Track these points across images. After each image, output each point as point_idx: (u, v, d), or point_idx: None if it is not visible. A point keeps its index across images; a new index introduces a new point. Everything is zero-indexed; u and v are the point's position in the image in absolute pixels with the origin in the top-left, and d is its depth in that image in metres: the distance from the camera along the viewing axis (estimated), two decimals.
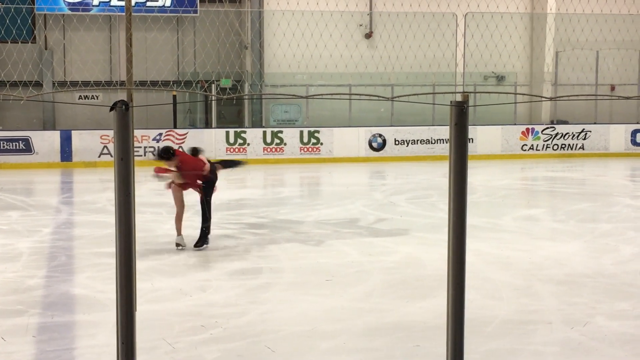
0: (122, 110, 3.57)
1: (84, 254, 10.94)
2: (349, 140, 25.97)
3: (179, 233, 11.28)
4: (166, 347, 6.77)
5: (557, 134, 27.25)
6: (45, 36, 27.89)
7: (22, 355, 6.61)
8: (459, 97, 3.88)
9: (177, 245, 11.19)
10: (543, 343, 6.90)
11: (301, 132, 25.72)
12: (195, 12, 27.78)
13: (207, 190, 11.29)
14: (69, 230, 13.07)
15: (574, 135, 27.33)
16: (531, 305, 8.16)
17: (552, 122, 28.84)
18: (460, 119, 3.85)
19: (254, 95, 28.31)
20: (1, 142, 23.92)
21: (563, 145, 27.26)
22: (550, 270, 9.81)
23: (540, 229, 13.07)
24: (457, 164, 3.91)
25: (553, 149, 27.17)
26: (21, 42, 24.27)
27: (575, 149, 27.28)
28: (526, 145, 27.05)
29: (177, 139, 24.56)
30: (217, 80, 27.42)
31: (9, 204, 16.09)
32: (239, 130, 25.66)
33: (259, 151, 25.18)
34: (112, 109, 3.58)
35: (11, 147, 23.92)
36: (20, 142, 24.03)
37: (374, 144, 26.11)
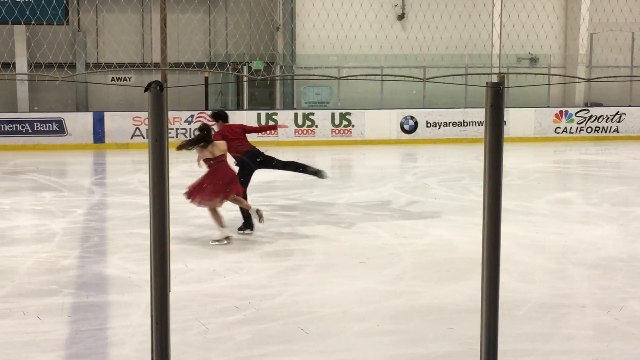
0: (157, 91, 3.57)
1: (116, 235, 11.02)
2: (380, 122, 25.90)
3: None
4: (199, 328, 6.80)
5: (591, 117, 27.00)
6: (79, 18, 28.01)
7: (56, 335, 6.67)
8: (494, 79, 3.84)
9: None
10: (576, 327, 6.85)
11: (332, 114, 25.68)
12: None
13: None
14: (101, 211, 13.16)
15: (608, 117, 27.07)
16: (564, 288, 8.10)
17: (586, 105, 28.55)
18: (496, 100, 3.80)
19: (287, 77, 28.24)
20: (35, 124, 24.12)
21: (597, 128, 27.01)
22: (583, 253, 9.73)
23: (574, 212, 12.97)
24: (492, 146, 3.87)
25: (587, 132, 26.93)
26: (57, 24, 24.41)
27: (610, 132, 27.03)
28: (559, 127, 26.84)
29: (208, 121, 24.59)
30: (249, 62, 27.42)
31: (42, 185, 16.23)
32: (270, 112, 25.66)
33: (290, 133, 25.18)
34: (146, 89, 3.58)
35: (45, 129, 24.12)
36: (54, 123, 24.22)
37: (406, 126, 26.02)
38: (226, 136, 11.21)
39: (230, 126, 11.54)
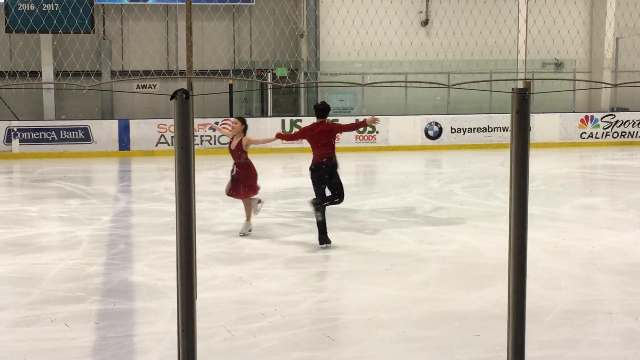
0: (183, 99, 3.58)
1: (142, 242, 11.06)
2: (404, 128, 25.86)
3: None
4: (225, 334, 6.81)
5: (617, 122, 26.82)
6: (105, 26, 28.21)
7: (82, 342, 6.70)
8: (519, 84, 3.83)
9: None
10: (603, 333, 6.80)
11: (357, 121, 25.63)
12: (252, 0, 27.83)
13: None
14: (127, 218, 13.21)
15: (634, 122, 26.88)
16: (591, 295, 8.05)
17: (612, 110, 28.39)
18: (522, 106, 3.79)
19: (311, 84, 28.26)
20: (62, 132, 24.31)
21: (623, 133, 26.83)
22: (610, 259, 9.65)
23: (600, 218, 12.87)
24: (518, 152, 3.85)
25: (613, 137, 26.76)
26: (83, 32, 24.57)
27: (636, 137, 26.83)
28: (585, 133, 26.68)
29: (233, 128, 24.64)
30: (273, 69, 27.46)
31: (69, 192, 16.33)
32: (294, 118, 25.67)
33: None
34: (172, 97, 3.60)
35: (71, 137, 24.30)
36: (80, 131, 24.39)
37: (430, 133, 25.96)
38: None
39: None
